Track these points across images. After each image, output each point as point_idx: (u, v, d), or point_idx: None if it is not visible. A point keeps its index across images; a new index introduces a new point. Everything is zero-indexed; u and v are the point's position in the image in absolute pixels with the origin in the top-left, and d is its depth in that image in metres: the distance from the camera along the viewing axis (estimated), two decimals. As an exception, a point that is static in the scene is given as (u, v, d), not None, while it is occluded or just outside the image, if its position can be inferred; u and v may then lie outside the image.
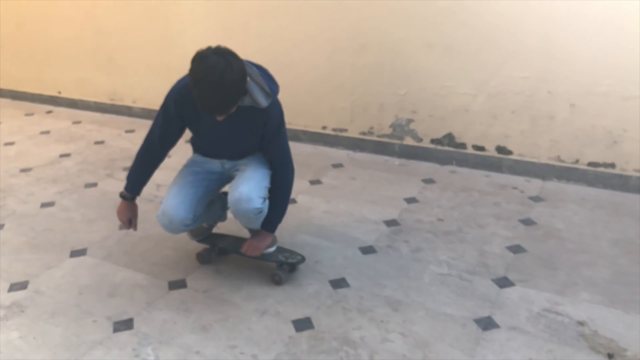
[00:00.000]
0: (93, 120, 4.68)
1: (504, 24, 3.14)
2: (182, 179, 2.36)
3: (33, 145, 4.14)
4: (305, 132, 3.96)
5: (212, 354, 2.02)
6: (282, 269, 2.42)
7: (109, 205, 3.17)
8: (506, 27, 3.14)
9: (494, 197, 3.12)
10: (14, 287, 2.44)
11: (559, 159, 3.25)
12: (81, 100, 4.93)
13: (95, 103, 4.86)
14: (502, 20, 3.14)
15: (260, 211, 2.23)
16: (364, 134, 3.77)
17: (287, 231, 2.75)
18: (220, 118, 2.05)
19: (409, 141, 3.65)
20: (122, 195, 2.44)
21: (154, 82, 4.46)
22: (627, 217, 2.86)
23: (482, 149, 3.44)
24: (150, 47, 4.36)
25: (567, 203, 3.03)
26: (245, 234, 2.58)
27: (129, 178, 2.44)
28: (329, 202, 3.10)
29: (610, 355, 1.95)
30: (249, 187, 2.20)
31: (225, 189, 2.44)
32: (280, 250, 2.48)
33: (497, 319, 2.15)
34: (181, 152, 3.91)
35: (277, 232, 2.68)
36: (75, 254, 2.70)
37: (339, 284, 2.40)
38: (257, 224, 2.33)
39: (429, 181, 3.35)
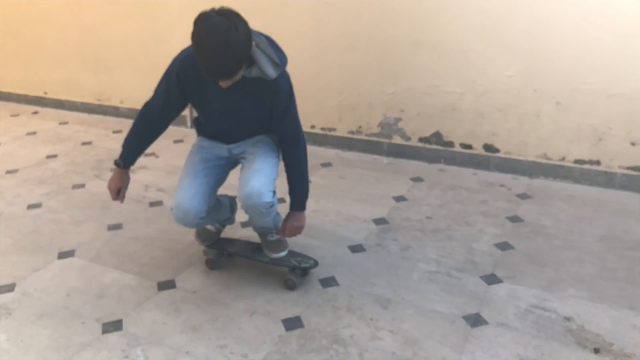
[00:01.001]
0: (80, 120, 4.65)
1: (490, 23, 3.17)
2: (193, 169, 2.27)
3: (19, 147, 4.10)
4: (294, 132, 3.95)
5: (202, 354, 2.02)
6: (294, 273, 2.37)
7: (96, 207, 3.15)
8: (493, 26, 3.17)
9: (481, 195, 3.15)
10: (1, 289, 2.42)
11: (545, 156, 3.29)
12: (68, 101, 4.89)
13: (82, 103, 4.82)
14: (489, 20, 3.17)
15: (271, 205, 2.19)
16: (352, 133, 3.78)
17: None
18: (224, 84, 1.94)
19: (397, 140, 3.66)
20: (116, 163, 2.33)
21: (141, 82, 4.43)
22: (613, 214, 2.90)
23: (469, 147, 3.47)
24: (137, 46, 4.33)
25: (554, 200, 3.06)
26: (255, 237, 2.54)
27: (124, 147, 2.33)
28: (318, 202, 3.11)
29: (596, 350, 1.97)
30: (259, 181, 2.14)
31: (231, 192, 2.40)
32: (292, 254, 2.42)
33: (485, 315, 2.17)
34: (170, 152, 3.92)
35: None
36: (63, 255, 2.68)
37: (328, 282, 2.40)
38: (268, 220, 2.29)
39: (417, 180, 3.37)
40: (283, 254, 2.38)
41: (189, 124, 4.33)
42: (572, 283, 2.35)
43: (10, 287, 2.43)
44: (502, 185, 3.26)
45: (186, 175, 2.27)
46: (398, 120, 3.61)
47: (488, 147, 3.42)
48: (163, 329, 2.16)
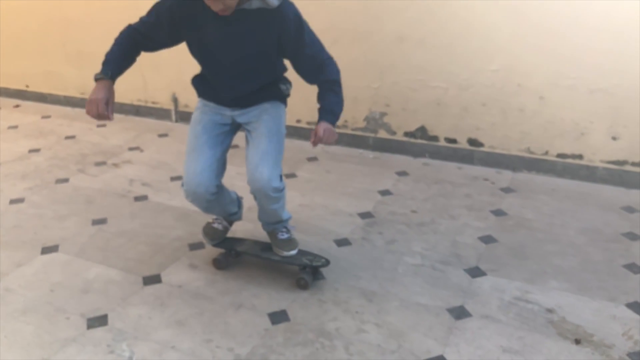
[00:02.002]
0: (63, 114, 4.59)
1: (474, 18, 3.19)
2: (197, 141, 2.19)
3: (0, 141, 4.04)
4: (279, 126, 3.95)
5: (188, 349, 2.02)
6: (306, 272, 2.34)
7: (80, 201, 3.13)
8: (477, 21, 3.19)
9: (466, 189, 3.18)
10: (-17, 285, 2.40)
11: (529, 150, 3.32)
12: (50, 94, 4.82)
13: (65, 97, 4.76)
14: (472, 15, 3.18)
15: (279, 190, 2.14)
16: (338, 127, 3.78)
17: (263, 225, 2.76)
18: (223, 10, 1.84)
19: (382, 134, 3.68)
20: (98, 77, 2.10)
21: (124, 75, 4.35)
22: (594, 207, 2.94)
23: (454, 141, 3.49)
24: (121, 40, 4.28)
25: (537, 194, 3.10)
26: (262, 236, 2.51)
27: (107, 58, 2.12)
28: (304, 196, 3.12)
29: (577, 341, 2.01)
30: (267, 167, 2.08)
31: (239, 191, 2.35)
32: (302, 252, 2.38)
33: (469, 308, 2.20)
34: (154, 146, 3.89)
35: (254, 226, 2.69)
36: (46, 250, 2.65)
37: (314, 276, 2.41)
38: (278, 207, 2.24)
39: (402, 174, 3.39)
40: (294, 252, 2.33)
41: (173, 117, 4.31)
42: (555, 275, 2.38)
43: (-8, 283, 2.41)
44: (486, 179, 3.29)
45: (192, 150, 2.20)
46: (383, 114, 3.62)
47: (472, 142, 3.45)
48: (149, 323, 2.15)
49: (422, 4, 3.27)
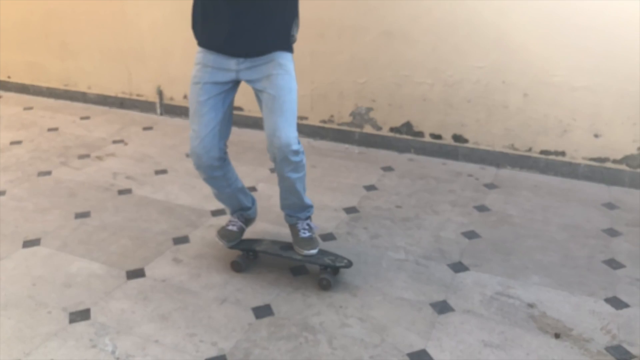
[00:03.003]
0: (46, 106, 4.53)
1: (460, 14, 3.20)
2: (198, 105, 2.14)
3: (-19, 132, 3.99)
4: (265, 120, 3.94)
5: (172, 343, 2.02)
6: (327, 272, 2.30)
7: (63, 194, 3.09)
8: (462, 18, 3.20)
9: (450, 185, 3.20)
10: (-37, 279, 2.37)
11: (512, 147, 3.35)
12: (32, 86, 4.75)
13: (48, 88, 4.70)
14: (458, 11, 3.20)
15: (298, 153, 2.13)
16: (324, 122, 3.79)
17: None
18: None
19: (368, 129, 3.68)
20: None
21: (109, 67, 4.35)
22: (576, 203, 2.98)
23: (439, 137, 3.51)
24: (105, 31, 4.23)
25: (520, 190, 3.14)
26: (280, 236, 2.48)
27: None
28: (289, 190, 3.11)
29: (557, 335, 2.04)
30: (285, 131, 2.06)
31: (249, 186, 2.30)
32: (324, 252, 2.35)
33: (452, 302, 2.22)
34: (139, 139, 3.86)
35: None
36: (28, 244, 2.63)
37: (299, 271, 2.42)
38: (298, 175, 2.21)
39: (387, 169, 3.40)
40: (314, 251, 2.29)
41: (158, 110, 4.27)
42: (536, 271, 2.42)
43: (-28, 277, 2.38)
44: (470, 175, 3.32)
45: (193, 114, 2.18)
46: (369, 110, 3.63)
47: (457, 138, 3.47)
48: (132, 317, 2.14)
49: (408, 0, 3.28)
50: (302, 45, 3.65)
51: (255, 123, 3.88)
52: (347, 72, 3.60)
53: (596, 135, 3.14)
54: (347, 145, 3.74)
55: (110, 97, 4.45)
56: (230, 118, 2.26)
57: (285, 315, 2.15)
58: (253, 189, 3.14)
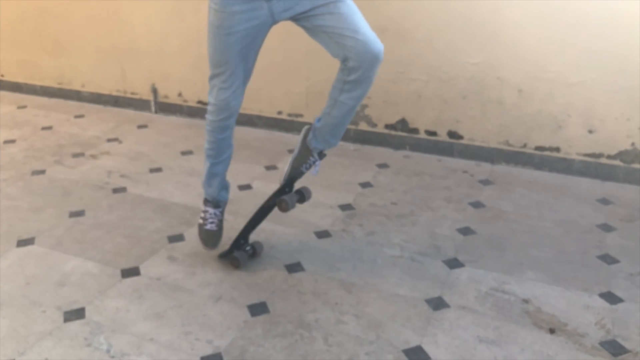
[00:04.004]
0: (39, 104, 4.51)
1: (454, 10, 3.20)
2: (230, 54, 1.94)
3: (-25, 131, 3.97)
4: (260, 117, 3.93)
5: (167, 341, 2.01)
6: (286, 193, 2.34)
7: (57, 193, 3.08)
8: (457, 14, 3.20)
9: (445, 181, 3.20)
10: (-43, 278, 2.36)
11: (507, 143, 3.36)
12: (26, 84, 4.73)
13: (42, 87, 4.67)
14: (452, 7, 3.19)
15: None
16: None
17: (243, 217, 2.74)
18: None
19: (363, 126, 3.68)
20: None
21: (103, 65, 4.33)
22: (570, 199, 2.99)
23: (434, 134, 3.51)
24: (99, 28, 4.21)
25: (515, 186, 3.14)
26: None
27: None
28: (284, 188, 3.11)
29: (551, 330, 2.05)
30: (371, 35, 1.97)
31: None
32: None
33: (447, 298, 2.22)
34: (133, 137, 3.85)
35: (234, 220, 2.68)
36: (22, 243, 2.61)
37: (294, 268, 2.42)
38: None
39: (383, 166, 3.40)
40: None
41: (153, 108, 4.26)
42: (531, 266, 2.42)
43: (-34, 276, 2.37)
44: (465, 172, 3.32)
45: (223, 64, 1.98)
46: (364, 106, 3.63)
47: (452, 134, 3.47)
48: (127, 316, 2.14)
49: (402, -4, 3.28)
50: (296, 42, 3.65)
51: (249, 120, 3.87)
52: (341, 69, 3.59)
53: (590, 131, 3.14)
54: (342, 142, 3.73)
55: (104, 95, 4.43)
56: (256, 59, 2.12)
57: (281, 313, 2.15)
58: (248, 186, 3.14)
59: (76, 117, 4.23)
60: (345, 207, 2.92)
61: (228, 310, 2.17)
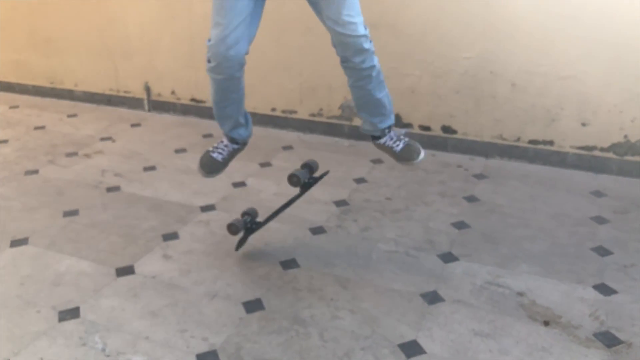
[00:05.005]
0: (32, 104, 4.49)
1: (446, 5, 3.20)
2: (236, 5, 1.91)
3: (-33, 132, 3.94)
4: (254, 114, 3.90)
5: (162, 339, 2.01)
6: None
7: (51, 193, 3.07)
8: (449, 8, 3.20)
9: (439, 176, 3.20)
10: (-50, 279, 2.35)
11: (501, 137, 3.36)
12: (18, 84, 4.70)
13: (34, 86, 4.65)
14: (445, 2, 3.19)
15: (369, 39, 2.02)
16: (313, 115, 3.78)
17: (237, 214, 2.74)
18: None
19: (358, 122, 3.67)
20: None
21: (95, 64, 4.31)
22: (564, 192, 3.00)
23: (428, 128, 3.51)
24: (91, 27, 4.19)
25: (509, 180, 3.15)
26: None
27: None
28: (279, 185, 3.11)
29: (546, 323, 2.06)
30: (349, 10, 1.92)
31: None
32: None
33: (442, 293, 2.23)
34: (127, 136, 3.83)
35: (229, 217, 2.67)
36: (15, 243, 2.60)
37: (289, 264, 2.42)
38: (374, 71, 2.12)
39: (377, 161, 3.40)
40: (422, 154, 2.29)
41: (146, 107, 4.25)
42: (525, 259, 2.43)
43: (-40, 277, 2.36)
44: (459, 166, 3.32)
45: (220, 9, 1.94)
46: (358, 102, 3.62)
47: (446, 129, 3.47)
48: (122, 315, 2.13)
49: (395, -9, 3.27)
50: (290, 39, 3.65)
51: (244, 118, 3.86)
52: (335, 65, 3.55)
53: (583, 124, 3.15)
54: (336, 139, 3.74)
55: (97, 94, 4.41)
56: (260, 17, 2.06)
57: (276, 309, 2.15)
58: (242, 183, 3.13)
59: (69, 116, 4.21)
60: (340, 203, 2.92)
61: (223, 307, 2.17)
